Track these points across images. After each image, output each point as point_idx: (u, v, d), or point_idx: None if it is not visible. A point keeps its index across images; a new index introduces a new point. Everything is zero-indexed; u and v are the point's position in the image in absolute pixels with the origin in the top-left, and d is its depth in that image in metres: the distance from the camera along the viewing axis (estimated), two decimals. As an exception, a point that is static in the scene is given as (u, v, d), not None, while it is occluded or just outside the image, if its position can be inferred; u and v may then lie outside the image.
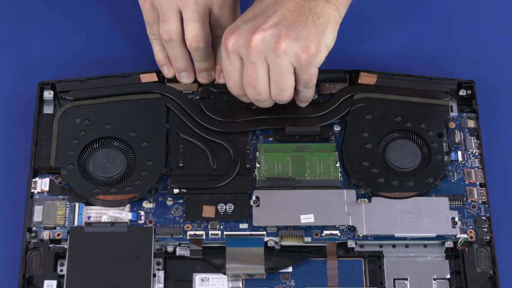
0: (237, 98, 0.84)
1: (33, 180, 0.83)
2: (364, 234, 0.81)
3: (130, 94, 0.85)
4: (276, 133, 0.85)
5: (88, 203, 0.82)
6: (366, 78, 0.86)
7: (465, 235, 0.82)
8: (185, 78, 0.87)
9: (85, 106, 0.85)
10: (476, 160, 0.86)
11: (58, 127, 0.84)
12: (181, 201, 0.83)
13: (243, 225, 0.82)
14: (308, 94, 0.83)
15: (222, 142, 0.84)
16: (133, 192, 0.81)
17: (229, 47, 0.78)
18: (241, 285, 0.81)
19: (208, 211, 0.82)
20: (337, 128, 0.86)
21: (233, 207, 0.82)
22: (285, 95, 0.80)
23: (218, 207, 0.82)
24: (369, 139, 0.84)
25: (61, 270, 0.80)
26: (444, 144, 0.85)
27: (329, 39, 0.79)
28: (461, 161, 0.85)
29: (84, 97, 0.85)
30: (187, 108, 0.85)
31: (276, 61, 0.78)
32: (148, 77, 0.87)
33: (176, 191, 0.83)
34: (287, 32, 0.77)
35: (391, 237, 0.81)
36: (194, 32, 0.83)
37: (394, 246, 0.82)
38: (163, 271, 0.81)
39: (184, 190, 0.82)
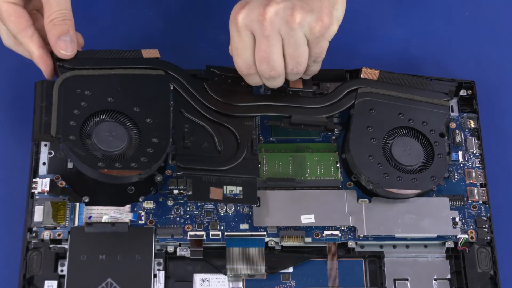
0: (241, 82, 0.83)
1: (34, 180, 0.83)
2: (365, 234, 0.81)
3: (132, 68, 0.82)
4: (281, 120, 0.84)
5: (89, 203, 0.82)
6: (368, 74, 0.86)
7: (466, 236, 0.82)
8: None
9: (86, 77, 0.80)
10: (476, 160, 0.86)
11: (59, 96, 0.79)
12: (182, 201, 0.83)
13: (244, 226, 0.82)
14: (315, 68, 0.82)
15: (228, 125, 0.82)
16: (139, 169, 0.78)
17: (239, 22, 0.77)
18: (241, 286, 0.81)
19: (215, 193, 0.80)
20: (337, 129, 0.86)
21: (241, 190, 0.81)
22: (301, 68, 0.79)
23: (228, 190, 0.80)
24: (374, 134, 0.83)
25: (62, 270, 0.80)
26: (445, 144, 0.84)
27: (339, 11, 0.78)
28: (461, 161, 0.86)
29: (84, 67, 0.81)
30: (191, 88, 0.83)
31: (291, 34, 0.76)
32: (150, 53, 0.83)
33: (175, 192, 0.82)
34: (301, 5, 0.76)
35: (392, 238, 0.82)
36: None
37: (394, 246, 0.82)
38: (163, 272, 0.81)
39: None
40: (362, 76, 0.85)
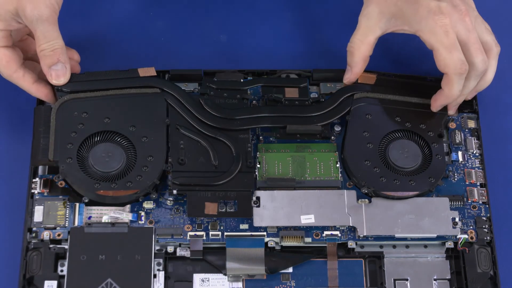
0: (236, 95, 0.85)
1: (33, 180, 0.83)
2: (365, 234, 0.81)
3: (128, 88, 0.84)
4: (277, 131, 0.85)
5: (89, 203, 0.82)
6: (366, 78, 0.86)
7: (466, 236, 0.82)
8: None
9: (83, 99, 0.83)
10: (476, 160, 0.86)
11: (56, 120, 0.82)
12: (182, 201, 0.83)
13: (244, 226, 0.82)
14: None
15: (223, 139, 0.83)
16: (134, 188, 0.80)
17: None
18: (241, 286, 0.81)
19: (210, 208, 0.81)
20: (337, 128, 0.86)
21: (236, 204, 0.81)
22: None
23: (220, 207, 0.81)
24: (370, 139, 0.84)
25: (62, 271, 0.80)
26: (444, 144, 0.84)
27: None
28: (461, 161, 0.86)
29: (82, 89, 0.84)
30: (187, 104, 0.84)
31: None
32: (146, 72, 0.85)
33: (175, 192, 0.82)
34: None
35: (392, 238, 0.82)
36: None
37: (394, 246, 0.82)
38: (163, 272, 0.81)
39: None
40: (359, 81, 0.86)
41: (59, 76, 0.82)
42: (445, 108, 0.85)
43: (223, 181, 0.82)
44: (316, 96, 0.87)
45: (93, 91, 0.84)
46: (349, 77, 0.85)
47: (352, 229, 0.82)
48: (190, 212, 0.81)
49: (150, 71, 0.85)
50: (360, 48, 0.84)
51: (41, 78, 0.84)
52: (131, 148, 0.82)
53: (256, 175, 0.83)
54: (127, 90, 0.84)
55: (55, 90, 0.83)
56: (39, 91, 0.84)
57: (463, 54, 0.80)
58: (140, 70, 0.85)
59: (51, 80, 0.82)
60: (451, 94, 0.82)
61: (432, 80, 0.86)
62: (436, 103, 0.84)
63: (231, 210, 0.81)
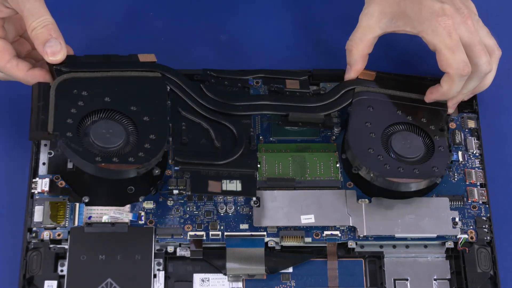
0: (238, 84, 0.84)
1: (34, 180, 0.83)
2: (365, 234, 0.81)
3: (129, 70, 0.82)
4: (279, 119, 0.84)
5: (89, 203, 0.82)
6: (365, 75, 0.86)
7: (466, 236, 0.82)
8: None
9: (83, 79, 0.81)
10: (476, 160, 0.86)
11: (56, 96, 0.80)
12: (182, 201, 0.83)
13: (244, 226, 0.82)
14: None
15: (225, 123, 0.82)
16: (137, 163, 0.78)
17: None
18: (241, 286, 0.81)
19: (214, 186, 0.80)
20: (337, 129, 0.86)
21: (240, 184, 0.81)
22: None
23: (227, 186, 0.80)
24: (373, 129, 0.83)
25: (62, 271, 0.80)
26: (445, 138, 0.83)
27: None
28: (461, 161, 0.86)
29: (81, 69, 0.82)
30: (188, 89, 0.83)
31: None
32: (147, 58, 0.84)
33: (175, 192, 0.82)
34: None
35: (392, 238, 0.82)
36: None
37: (394, 246, 0.82)
38: (163, 272, 0.81)
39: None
40: (359, 77, 0.86)
41: (55, 52, 0.80)
42: (445, 105, 0.85)
43: (227, 161, 0.81)
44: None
45: (93, 72, 0.82)
46: (348, 76, 0.85)
47: (352, 229, 0.82)
48: (193, 189, 0.80)
49: (150, 57, 0.84)
50: (359, 46, 0.84)
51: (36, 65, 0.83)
52: (132, 127, 0.80)
53: (256, 174, 0.83)
54: (128, 73, 0.82)
55: (54, 70, 0.81)
56: (35, 76, 0.82)
57: (466, 56, 0.80)
58: (140, 56, 0.84)
59: (48, 58, 0.80)
60: (449, 92, 0.82)
61: (432, 80, 0.86)
62: (431, 96, 0.84)
63: (235, 189, 0.81)
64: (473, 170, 0.85)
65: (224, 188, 0.80)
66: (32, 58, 0.84)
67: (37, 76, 0.82)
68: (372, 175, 0.80)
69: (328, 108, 0.84)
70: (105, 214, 0.82)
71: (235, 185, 0.81)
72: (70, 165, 0.84)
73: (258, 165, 0.83)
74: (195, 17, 0.96)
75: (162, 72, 0.83)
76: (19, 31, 0.85)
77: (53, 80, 0.82)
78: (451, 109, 0.85)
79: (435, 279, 0.82)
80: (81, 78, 0.81)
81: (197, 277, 0.82)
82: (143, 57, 0.84)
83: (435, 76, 0.86)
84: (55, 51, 0.80)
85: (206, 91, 0.84)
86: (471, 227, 0.83)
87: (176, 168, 0.81)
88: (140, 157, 0.78)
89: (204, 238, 0.81)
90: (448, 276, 0.82)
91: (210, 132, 0.82)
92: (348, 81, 0.86)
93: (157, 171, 0.80)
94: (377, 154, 0.81)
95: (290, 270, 0.82)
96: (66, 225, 0.81)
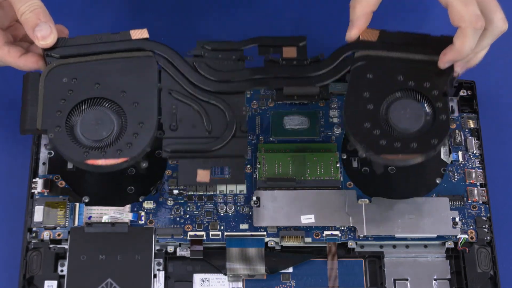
0: (232, 56, 0.82)
1: (34, 180, 0.83)
2: (365, 234, 0.81)
3: (120, 51, 0.81)
4: (275, 93, 0.82)
5: (89, 203, 0.82)
6: (368, 34, 0.81)
7: (466, 236, 0.82)
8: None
9: (73, 64, 0.80)
10: (476, 160, 0.86)
11: (45, 87, 0.79)
12: (182, 201, 0.83)
13: (244, 226, 0.82)
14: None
15: (217, 104, 0.80)
16: (124, 156, 0.77)
17: None
18: (241, 286, 0.81)
19: (202, 175, 0.80)
20: (337, 129, 0.86)
21: (229, 171, 0.80)
22: None
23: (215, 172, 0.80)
24: (371, 100, 0.79)
25: (62, 271, 0.80)
26: (448, 104, 0.80)
27: None
28: (461, 161, 0.85)
29: (72, 54, 0.80)
30: (179, 67, 0.81)
31: None
32: (139, 34, 0.82)
33: (176, 191, 0.83)
34: None
35: (392, 238, 0.82)
36: None
37: (394, 246, 0.82)
38: (163, 272, 0.81)
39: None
40: (360, 37, 0.81)
41: (45, 37, 0.79)
42: (451, 67, 0.80)
43: (217, 147, 0.79)
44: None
45: (83, 56, 0.80)
46: (350, 34, 0.81)
47: (352, 229, 0.82)
48: (181, 180, 0.79)
49: (142, 33, 0.82)
50: (362, 2, 0.80)
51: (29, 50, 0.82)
52: (122, 115, 0.79)
53: (256, 174, 0.83)
54: (119, 54, 0.81)
55: (45, 56, 0.80)
56: (27, 62, 0.81)
57: (479, 10, 0.77)
58: (132, 32, 0.82)
59: (38, 43, 0.79)
60: (462, 49, 0.77)
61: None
62: (445, 58, 0.79)
63: (224, 176, 0.80)
64: (473, 170, 0.85)
65: (213, 176, 0.79)
66: (28, 41, 0.83)
67: (29, 62, 0.81)
68: (365, 154, 0.78)
69: (326, 78, 0.81)
70: (105, 214, 0.82)
71: (223, 173, 0.80)
72: (70, 165, 0.84)
73: (258, 166, 0.83)
74: (195, 16, 0.96)
75: (153, 50, 0.81)
76: (14, 16, 0.83)
77: (45, 65, 0.81)
78: (459, 68, 0.80)
79: (435, 279, 0.82)
80: (71, 64, 0.80)
81: (197, 277, 0.82)
82: (135, 34, 0.82)
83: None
84: (45, 35, 0.79)
85: (199, 69, 0.81)
86: (471, 227, 0.83)
87: (165, 158, 0.79)
88: (128, 148, 0.77)
89: (204, 238, 0.81)
90: (448, 276, 0.82)
91: (201, 115, 0.81)
92: (348, 45, 0.81)
93: (144, 164, 0.78)
94: (373, 129, 0.78)
95: (290, 270, 0.82)
96: (66, 225, 0.81)
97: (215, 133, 0.79)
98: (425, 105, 0.79)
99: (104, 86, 0.79)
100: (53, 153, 0.85)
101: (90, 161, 0.77)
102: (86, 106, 0.78)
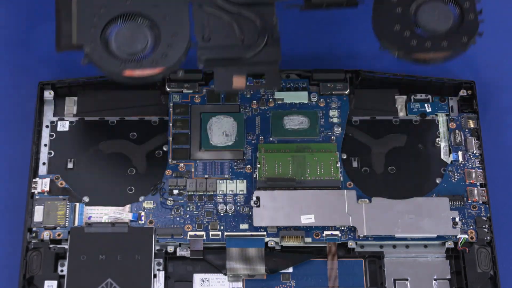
0: None
1: (34, 180, 0.83)
2: (365, 234, 0.81)
3: None
4: (303, 2, 0.82)
5: (89, 203, 0.82)
6: None
7: (466, 236, 0.82)
8: None
9: None
10: (476, 160, 0.86)
11: (77, 4, 0.78)
12: (182, 201, 0.83)
13: (244, 226, 0.82)
14: None
15: (248, 14, 0.80)
16: (161, 65, 0.77)
17: None
18: (241, 286, 0.81)
19: (238, 81, 0.79)
20: (337, 129, 0.86)
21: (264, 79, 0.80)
22: None
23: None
24: (399, 3, 0.79)
25: (62, 271, 0.80)
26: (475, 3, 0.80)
27: None
28: (461, 161, 0.86)
29: None
30: None
31: None
32: None
33: (176, 191, 0.83)
34: None
35: (392, 238, 0.82)
36: None
37: (394, 246, 0.82)
38: (163, 272, 0.81)
39: None
40: None
41: None
42: None
43: (251, 54, 0.79)
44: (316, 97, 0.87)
45: None
46: None
47: (352, 229, 0.82)
48: (218, 86, 0.79)
49: None
50: None
51: None
52: (155, 28, 0.79)
53: (256, 174, 0.83)
54: None
55: None
56: None
57: None
58: None
59: None
60: None
61: (433, 80, 0.85)
62: None
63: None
64: (473, 170, 0.85)
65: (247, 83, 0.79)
66: None
67: None
68: (397, 53, 0.78)
69: None
70: (105, 214, 0.82)
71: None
72: (70, 165, 0.84)
73: (258, 166, 0.83)
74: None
75: None
76: None
77: None
78: None
79: (435, 279, 0.82)
80: None
81: (197, 277, 0.82)
82: None
83: (437, 77, 0.84)
84: None
85: None
86: (471, 227, 0.83)
87: (200, 66, 0.79)
88: (164, 59, 0.77)
89: (204, 238, 0.81)
90: (448, 276, 0.82)
91: (232, 26, 0.81)
92: None
93: (181, 72, 0.80)
94: (403, 30, 0.78)
95: (290, 270, 0.82)
96: (66, 225, 0.82)
97: (247, 42, 0.79)
98: (453, 5, 0.79)
99: (135, 1, 0.79)
100: (53, 153, 0.85)
101: (128, 72, 0.77)
102: (119, 21, 0.78)
